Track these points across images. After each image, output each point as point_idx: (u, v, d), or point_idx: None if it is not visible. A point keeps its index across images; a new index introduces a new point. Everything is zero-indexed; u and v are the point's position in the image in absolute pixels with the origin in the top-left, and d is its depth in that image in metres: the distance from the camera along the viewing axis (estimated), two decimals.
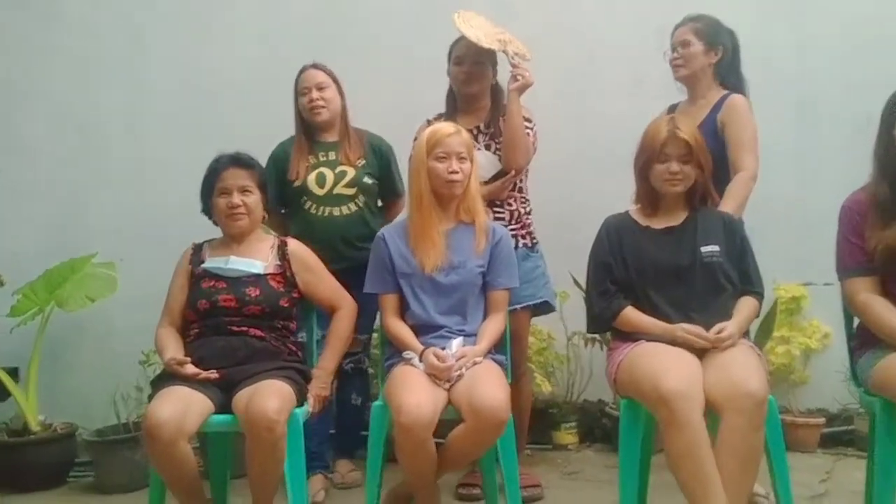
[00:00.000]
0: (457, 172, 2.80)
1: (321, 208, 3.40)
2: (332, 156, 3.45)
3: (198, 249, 2.98)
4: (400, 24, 4.33)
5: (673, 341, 2.55)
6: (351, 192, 3.40)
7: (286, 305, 2.86)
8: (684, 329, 2.55)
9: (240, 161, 2.92)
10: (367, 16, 4.37)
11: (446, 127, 2.89)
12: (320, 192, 3.40)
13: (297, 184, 3.42)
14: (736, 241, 2.74)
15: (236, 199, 2.85)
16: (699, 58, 3.24)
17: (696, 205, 2.77)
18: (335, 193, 3.39)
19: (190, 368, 2.64)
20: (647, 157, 2.70)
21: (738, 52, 3.28)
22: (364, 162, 3.45)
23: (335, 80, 3.48)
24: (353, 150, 3.42)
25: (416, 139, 3.19)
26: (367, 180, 3.43)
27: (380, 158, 3.50)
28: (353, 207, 3.41)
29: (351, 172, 3.40)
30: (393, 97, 4.09)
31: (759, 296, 2.75)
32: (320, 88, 3.42)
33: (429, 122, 3.34)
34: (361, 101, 3.62)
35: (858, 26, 4.14)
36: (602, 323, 2.77)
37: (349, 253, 3.35)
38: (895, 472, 2.40)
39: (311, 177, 3.41)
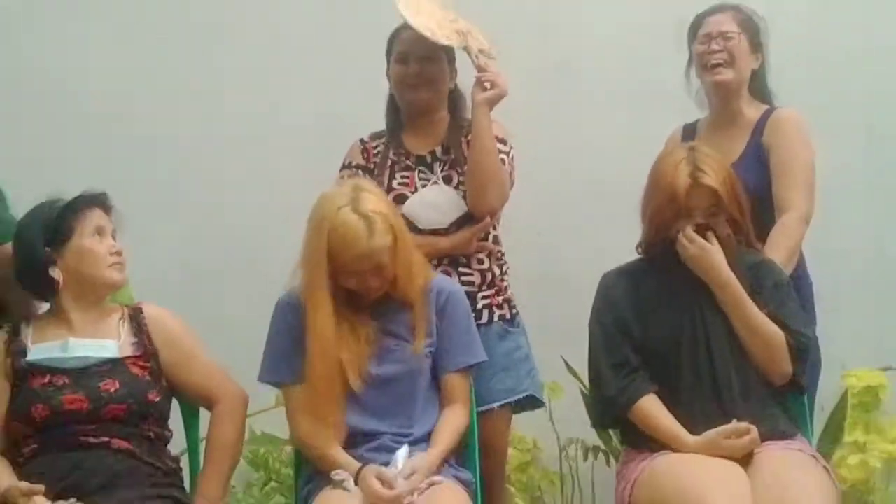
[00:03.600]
0: (376, 286, 2.36)
1: None
2: None
3: (14, 334, 2.40)
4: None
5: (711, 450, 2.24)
6: None
7: (157, 400, 2.35)
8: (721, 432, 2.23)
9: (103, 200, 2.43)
10: None
11: (353, 233, 2.25)
12: None
13: None
14: (765, 288, 2.41)
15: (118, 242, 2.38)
16: (746, 58, 2.80)
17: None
18: None
19: (40, 501, 2.14)
20: (668, 213, 2.40)
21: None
22: None
23: None
24: None
25: (343, 165, 2.80)
26: None
27: None
28: None
29: None
30: (314, 101, 3.57)
31: (796, 337, 2.35)
32: None
33: (362, 144, 2.86)
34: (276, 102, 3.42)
35: None
36: (616, 409, 2.40)
37: None
38: None
39: None
